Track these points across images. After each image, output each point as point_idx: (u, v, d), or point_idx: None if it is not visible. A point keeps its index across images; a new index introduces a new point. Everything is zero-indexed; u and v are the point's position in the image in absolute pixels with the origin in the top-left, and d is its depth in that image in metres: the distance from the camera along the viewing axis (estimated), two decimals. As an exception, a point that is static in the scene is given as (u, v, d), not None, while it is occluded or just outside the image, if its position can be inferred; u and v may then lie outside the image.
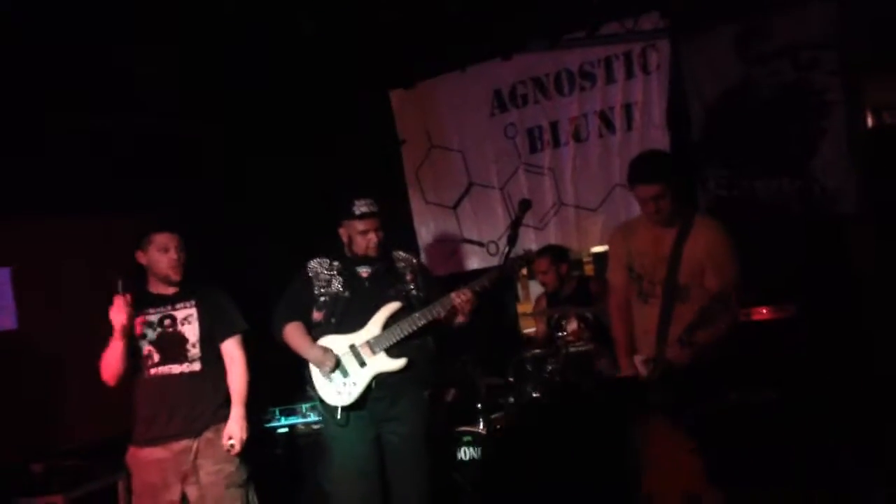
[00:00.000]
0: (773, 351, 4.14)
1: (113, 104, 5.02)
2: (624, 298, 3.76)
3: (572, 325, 4.76)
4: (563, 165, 5.55)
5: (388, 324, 3.76)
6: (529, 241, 5.56)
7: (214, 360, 3.70)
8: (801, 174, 4.63)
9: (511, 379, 4.83)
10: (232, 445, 3.60)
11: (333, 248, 3.94)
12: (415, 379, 3.79)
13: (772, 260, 4.29)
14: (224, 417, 3.66)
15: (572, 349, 4.66)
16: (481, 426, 4.56)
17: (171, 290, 3.70)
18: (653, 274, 3.60)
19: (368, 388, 3.74)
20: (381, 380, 3.74)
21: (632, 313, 3.74)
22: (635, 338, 3.72)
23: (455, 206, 6.08)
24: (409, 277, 3.90)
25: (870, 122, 4.57)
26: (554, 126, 5.56)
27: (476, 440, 4.54)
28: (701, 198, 4.91)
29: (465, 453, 4.57)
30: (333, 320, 3.80)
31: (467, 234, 6.05)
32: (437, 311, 3.71)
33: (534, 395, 4.62)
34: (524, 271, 5.93)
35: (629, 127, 5.22)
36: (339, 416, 3.73)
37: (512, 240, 3.89)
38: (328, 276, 3.86)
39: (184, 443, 3.58)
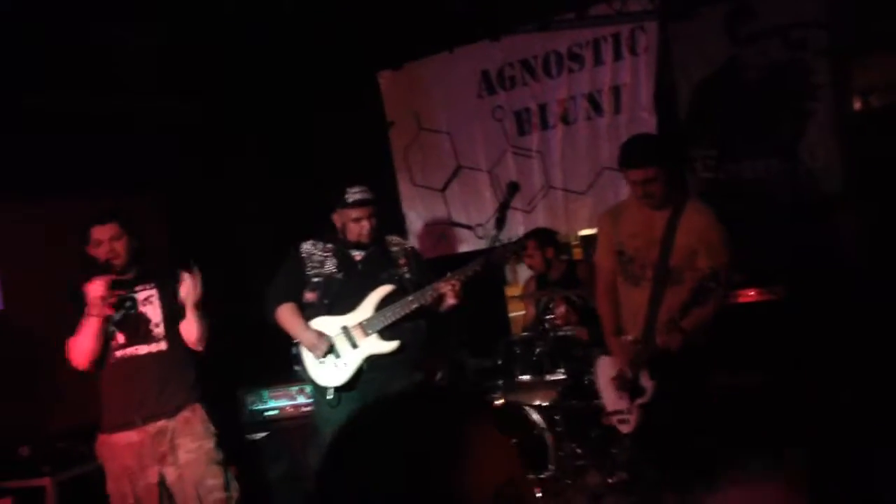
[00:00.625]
0: (760, 333, 4.17)
1: (96, 83, 4.96)
2: (611, 281, 3.77)
3: (560, 309, 4.79)
4: (552, 148, 5.52)
5: (381, 306, 3.75)
6: (517, 224, 5.55)
7: (181, 338, 3.64)
8: (787, 156, 4.65)
9: (500, 361, 4.85)
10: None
11: (319, 231, 3.93)
12: (406, 361, 3.80)
13: (759, 242, 4.32)
14: (199, 397, 3.64)
15: (560, 332, 4.69)
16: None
17: (128, 275, 3.64)
18: (645, 256, 3.61)
19: (360, 370, 3.75)
20: (372, 361, 3.75)
21: (619, 296, 3.75)
22: (623, 320, 3.73)
23: (443, 189, 6.05)
24: (402, 262, 3.90)
25: (857, 104, 4.59)
26: (542, 108, 5.53)
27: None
28: (689, 179, 4.92)
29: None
30: (326, 301, 3.80)
31: (455, 217, 6.02)
32: (430, 294, 3.71)
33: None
34: (513, 254, 5.93)
35: (617, 110, 5.19)
36: (330, 396, 3.73)
37: (500, 223, 3.88)
38: (321, 258, 3.85)
39: (160, 424, 3.55)
